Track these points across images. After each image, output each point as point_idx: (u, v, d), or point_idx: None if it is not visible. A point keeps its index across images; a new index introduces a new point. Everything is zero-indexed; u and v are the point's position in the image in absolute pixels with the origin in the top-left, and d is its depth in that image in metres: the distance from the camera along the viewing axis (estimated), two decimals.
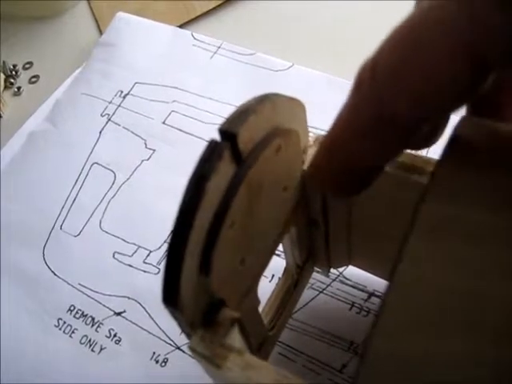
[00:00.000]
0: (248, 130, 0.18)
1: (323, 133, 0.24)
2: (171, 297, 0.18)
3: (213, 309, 0.20)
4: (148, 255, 0.35)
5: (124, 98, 0.42)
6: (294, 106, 0.21)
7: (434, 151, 0.35)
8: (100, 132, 0.41)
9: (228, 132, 0.17)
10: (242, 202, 0.19)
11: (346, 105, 0.17)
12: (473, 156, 0.16)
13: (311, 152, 0.23)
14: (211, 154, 0.17)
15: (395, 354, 0.14)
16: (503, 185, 0.16)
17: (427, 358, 0.14)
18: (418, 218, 0.15)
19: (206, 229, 0.18)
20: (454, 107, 0.16)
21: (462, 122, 0.17)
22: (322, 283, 0.32)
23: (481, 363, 0.13)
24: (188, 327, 0.19)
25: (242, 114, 0.18)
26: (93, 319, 0.33)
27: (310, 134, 0.23)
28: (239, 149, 0.18)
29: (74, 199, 0.38)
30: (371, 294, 0.31)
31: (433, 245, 0.15)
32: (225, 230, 0.18)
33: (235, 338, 0.20)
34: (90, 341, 0.33)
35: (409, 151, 0.22)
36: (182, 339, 0.32)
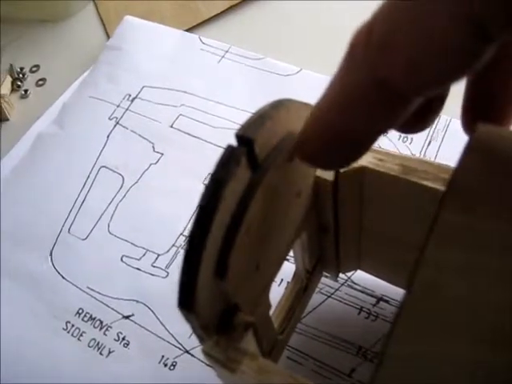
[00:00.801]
0: (264, 136, 0.18)
1: None
2: (187, 301, 0.18)
3: (227, 313, 0.20)
4: (156, 259, 0.35)
5: (132, 101, 0.42)
6: (308, 111, 0.21)
7: (443, 156, 0.35)
8: (108, 135, 0.41)
9: (245, 137, 0.18)
10: (257, 208, 0.19)
11: (338, 71, 0.17)
12: (491, 164, 0.16)
13: None
14: (229, 160, 0.17)
15: (412, 359, 0.14)
16: None
17: (444, 364, 0.14)
18: (437, 225, 0.15)
19: (223, 233, 0.18)
20: (451, 78, 0.15)
21: (480, 129, 0.18)
22: (331, 288, 0.32)
23: (496, 372, 0.13)
24: (202, 331, 0.19)
25: (259, 120, 0.18)
26: (101, 322, 0.34)
27: None
28: (255, 154, 0.18)
29: (82, 202, 0.38)
30: (380, 299, 0.31)
31: (451, 253, 0.15)
32: (241, 234, 0.18)
33: (249, 343, 0.21)
34: (98, 344, 0.33)
35: (418, 157, 0.22)
36: (190, 343, 0.32)
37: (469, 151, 0.17)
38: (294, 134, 0.20)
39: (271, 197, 0.20)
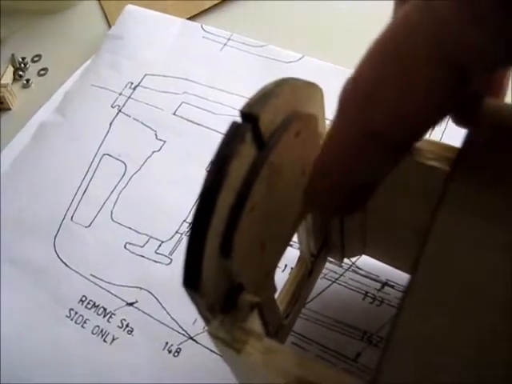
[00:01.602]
0: (269, 113, 0.18)
1: None
2: (192, 280, 0.17)
3: (232, 293, 0.20)
4: (160, 245, 0.35)
5: (134, 89, 0.42)
6: (312, 91, 0.21)
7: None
8: (110, 123, 0.41)
9: (250, 114, 0.17)
10: (262, 185, 0.18)
11: (335, 119, 0.17)
12: (499, 138, 0.16)
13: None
14: (233, 136, 0.17)
15: (422, 332, 0.14)
16: None
17: (453, 336, 0.14)
18: (445, 199, 0.15)
19: (228, 211, 0.18)
20: (435, 119, 0.16)
21: (488, 104, 0.17)
22: (335, 273, 0.32)
23: (506, 342, 0.13)
24: (208, 311, 0.19)
25: (263, 97, 0.18)
26: (105, 310, 0.33)
27: (327, 121, 0.23)
28: (260, 131, 0.18)
29: (85, 190, 0.38)
30: (384, 284, 0.31)
31: (460, 225, 0.15)
32: (246, 212, 0.18)
33: (255, 323, 0.20)
34: (101, 331, 0.33)
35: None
36: (194, 329, 0.32)
37: (477, 125, 0.17)
38: (298, 112, 0.20)
39: (276, 175, 0.19)
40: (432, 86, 0.15)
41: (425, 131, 0.16)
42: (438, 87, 0.15)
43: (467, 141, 0.17)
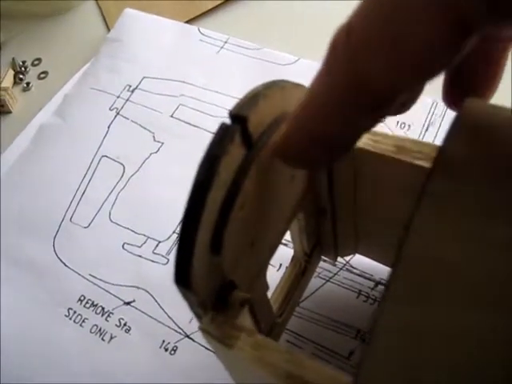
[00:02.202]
0: (257, 114, 0.18)
1: None
2: (183, 276, 0.18)
3: (223, 290, 0.20)
4: (157, 246, 0.35)
5: (132, 92, 0.43)
6: (302, 92, 0.21)
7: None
8: (109, 126, 0.42)
9: (238, 115, 0.18)
10: (251, 185, 0.19)
11: (320, 71, 0.17)
12: (478, 137, 0.17)
13: None
14: (222, 137, 0.17)
15: (402, 329, 0.15)
16: (506, 164, 0.16)
17: (433, 334, 0.14)
18: (425, 195, 0.16)
19: (218, 209, 0.18)
20: (432, 73, 0.15)
21: (467, 104, 0.18)
22: (329, 272, 0.33)
23: (484, 334, 0.14)
24: (199, 308, 0.20)
25: (252, 99, 0.18)
26: (103, 309, 0.34)
27: None
28: (249, 132, 0.18)
29: (84, 191, 0.39)
30: (378, 283, 0.32)
31: (437, 220, 0.15)
32: (235, 210, 0.18)
33: (246, 319, 0.21)
34: (100, 330, 0.33)
35: (410, 137, 0.23)
36: (191, 328, 0.32)
37: (455, 125, 0.17)
38: (288, 113, 0.20)
39: (266, 175, 0.20)
40: (431, 36, 0.14)
41: (417, 84, 0.16)
42: (437, 37, 0.14)
43: (447, 139, 0.17)
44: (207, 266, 0.19)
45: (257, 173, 0.19)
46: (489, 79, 0.20)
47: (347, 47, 0.15)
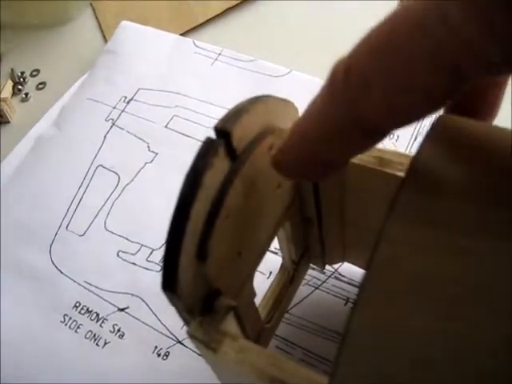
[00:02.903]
0: (241, 129, 0.19)
1: None
2: (170, 283, 0.19)
3: (211, 297, 0.21)
4: (151, 253, 0.36)
5: (128, 103, 0.44)
6: (287, 107, 0.22)
7: None
8: (105, 136, 0.42)
9: (222, 130, 0.19)
10: (236, 196, 0.20)
11: (320, 101, 0.17)
12: (450, 149, 0.18)
13: None
14: (207, 150, 0.18)
15: (374, 330, 0.15)
16: (476, 176, 0.17)
17: (402, 334, 0.15)
18: (396, 204, 0.17)
19: (203, 219, 0.19)
20: (428, 114, 0.16)
21: (440, 118, 0.19)
22: (318, 280, 0.33)
23: (451, 337, 0.14)
24: (186, 313, 0.20)
25: (236, 114, 0.19)
26: (97, 315, 0.35)
27: None
28: (233, 146, 0.19)
29: (80, 200, 0.40)
30: None
31: (409, 229, 0.16)
32: (220, 220, 0.19)
33: (231, 325, 0.22)
34: (94, 335, 0.34)
35: (392, 149, 0.23)
36: (183, 333, 0.33)
37: (429, 137, 0.18)
38: (271, 128, 0.21)
39: (250, 187, 0.21)
40: (430, 84, 0.15)
41: (414, 122, 0.16)
42: (436, 87, 0.15)
43: (420, 150, 0.18)
44: (193, 274, 0.19)
45: (242, 184, 0.20)
46: (489, 105, 0.21)
47: (345, 86, 0.16)
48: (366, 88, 0.15)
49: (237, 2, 0.49)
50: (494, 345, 0.14)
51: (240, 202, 0.20)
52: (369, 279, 0.16)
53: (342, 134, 0.17)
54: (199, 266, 0.19)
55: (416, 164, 0.18)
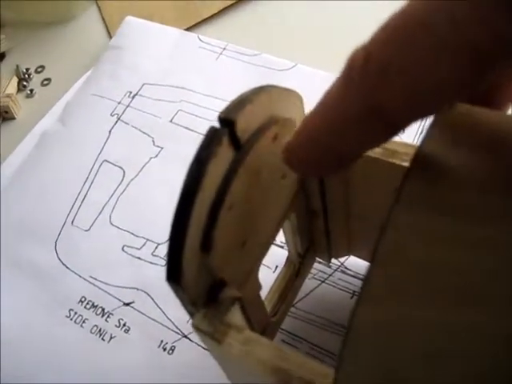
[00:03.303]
0: (245, 118, 0.19)
1: None
2: (174, 274, 0.19)
3: (215, 289, 0.21)
4: (156, 248, 0.36)
5: (133, 98, 0.44)
6: (290, 97, 0.22)
7: None
8: (110, 131, 0.42)
9: (226, 119, 0.19)
10: (240, 186, 0.20)
11: (335, 91, 0.17)
12: (454, 137, 0.17)
13: None
14: (210, 140, 0.18)
15: (379, 322, 0.15)
16: (483, 164, 0.17)
17: (405, 327, 0.15)
18: (402, 192, 0.16)
19: (208, 209, 0.19)
20: (448, 105, 0.16)
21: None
22: (324, 273, 0.33)
23: (455, 330, 0.14)
24: (191, 305, 0.20)
25: (240, 103, 0.19)
26: (103, 310, 0.35)
27: None
28: (237, 135, 0.19)
29: (85, 195, 0.40)
30: None
31: (414, 219, 0.16)
32: (224, 210, 0.19)
33: (236, 316, 0.22)
34: (100, 330, 0.34)
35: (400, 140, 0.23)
36: (188, 328, 0.33)
37: (436, 124, 0.18)
38: (275, 118, 0.21)
39: (255, 177, 0.21)
40: (451, 74, 0.14)
41: (431, 115, 0.16)
42: (457, 75, 0.14)
43: (425, 139, 0.18)
44: (198, 265, 0.19)
45: (246, 174, 0.20)
46: (503, 96, 0.20)
47: (364, 74, 0.15)
48: (385, 76, 0.15)
49: None
50: (494, 344, 0.14)
51: (244, 192, 0.20)
52: (373, 268, 0.16)
53: (358, 125, 0.16)
54: (203, 256, 0.19)
55: (422, 152, 0.17)
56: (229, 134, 0.19)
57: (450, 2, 0.14)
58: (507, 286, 0.14)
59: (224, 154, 0.19)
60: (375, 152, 0.23)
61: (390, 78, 0.15)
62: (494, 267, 0.14)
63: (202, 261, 0.19)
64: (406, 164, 0.23)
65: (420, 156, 0.17)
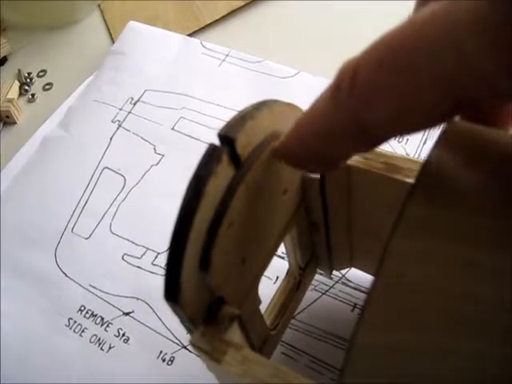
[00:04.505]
0: (246, 135, 0.19)
1: None
2: (172, 293, 0.18)
3: (214, 306, 0.21)
4: (156, 257, 0.36)
5: (134, 104, 0.44)
6: (292, 111, 0.22)
7: None
8: (111, 138, 0.42)
9: (226, 137, 0.18)
10: (240, 203, 0.19)
11: (324, 100, 0.17)
12: (459, 157, 0.17)
13: None
14: (210, 158, 0.18)
15: (380, 347, 0.15)
16: (488, 187, 0.16)
17: (410, 351, 0.14)
18: (403, 216, 0.16)
19: (206, 228, 0.18)
20: (429, 128, 0.16)
21: (451, 124, 0.18)
22: (325, 285, 0.33)
23: (457, 356, 0.14)
24: (189, 323, 0.20)
25: (240, 120, 0.19)
26: (102, 319, 0.34)
27: None
28: (238, 153, 0.19)
29: (85, 203, 0.39)
30: None
31: (416, 243, 0.16)
32: (223, 229, 0.19)
33: (235, 334, 0.21)
34: (99, 340, 0.34)
35: (400, 154, 0.23)
36: (188, 338, 0.32)
37: (439, 144, 0.17)
38: (277, 133, 0.21)
39: (255, 193, 0.20)
40: (434, 106, 0.15)
41: (416, 133, 0.17)
42: (439, 108, 0.15)
43: (428, 159, 0.17)
44: (196, 283, 0.19)
45: (246, 191, 0.20)
46: (504, 119, 0.20)
47: (351, 91, 0.16)
48: (371, 95, 0.16)
49: (244, 2, 0.48)
50: (491, 371, 0.13)
51: (244, 209, 0.20)
52: (375, 293, 0.15)
53: (343, 136, 0.17)
54: (202, 275, 0.19)
55: (425, 173, 0.17)
56: (229, 152, 0.18)
57: (449, 28, 0.14)
58: (509, 314, 0.14)
59: (223, 172, 0.18)
60: (378, 168, 0.23)
61: (373, 102, 0.15)
62: (495, 295, 0.14)
63: (201, 279, 0.19)
64: (409, 180, 0.22)
65: (423, 176, 0.17)
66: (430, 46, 0.14)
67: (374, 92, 0.15)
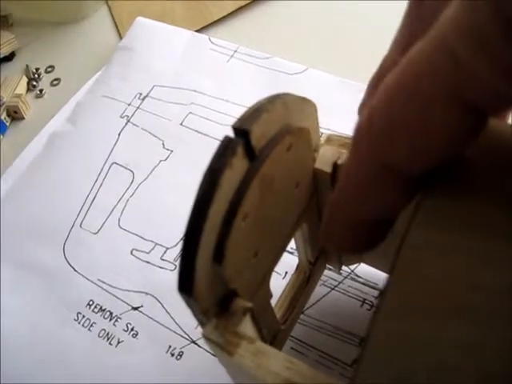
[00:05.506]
0: (260, 128, 0.19)
1: (337, 134, 0.25)
2: (186, 284, 0.18)
3: (227, 299, 0.21)
4: (165, 252, 0.36)
5: (143, 100, 0.44)
6: (305, 105, 0.22)
7: None
8: (119, 133, 0.42)
9: (241, 129, 0.18)
10: (254, 196, 0.19)
11: (348, 161, 0.18)
12: (476, 151, 0.17)
13: (323, 151, 0.24)
14: (225, 150, 0.18)
15: (398, 336, 0.15)
16: (505, 179, 0.16)
17: (428, 341, 0.14)
18: (420, 208, 0.16)
19: (221, 220, 0.18)
20: (454, 152, 0.16)
21: None
22: (334, 280, 0.33)
23: (474, 347, 0.14)
24: (202, 315, 0.20)
25: (255, 112, 0.19)
26: (111, 313, 0.35)
27: (322, 133, 0.24)
28: (252, 145, 0.19)
29: (94, 198, 0.39)
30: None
31: (433, 233, 0.16)
32: (238, 221, 0.19)
33: (247, 327, 0.21)
34: (107, 334, 0.34)
35: None
36: (197, 333, 0.33)
37: None
38: (290, 126, 0.21)
39: (269, 186, 0.20)
40: (449, 127, 0.15)
41: (443, 164, 0.16)
42: (455, 128, 0.15)
43: None
44: (210, 275, 0.19)
45: (260, 184, 0.20)
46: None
47: (369, 137, 0.16)
48: (388, 134, 0.16)
49: None
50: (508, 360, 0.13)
51: (258, 202, 0.20)
52: (391, 286, 0.15)
53: (374, 185, 0.17)
54: (216, 267, 0.19)
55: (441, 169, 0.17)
56: (244, 145, 0.18)
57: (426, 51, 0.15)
58: None
59: (238, 165, 0.18)
60: None
61: (392, 137, 0.16)
62: (511, 285, 0.14)
63: (214, 271, 0.19)
64: None
65: (440, 170, 0.17)
66: (430, 70, 0.14)
67: (390, 128, 0.16)
